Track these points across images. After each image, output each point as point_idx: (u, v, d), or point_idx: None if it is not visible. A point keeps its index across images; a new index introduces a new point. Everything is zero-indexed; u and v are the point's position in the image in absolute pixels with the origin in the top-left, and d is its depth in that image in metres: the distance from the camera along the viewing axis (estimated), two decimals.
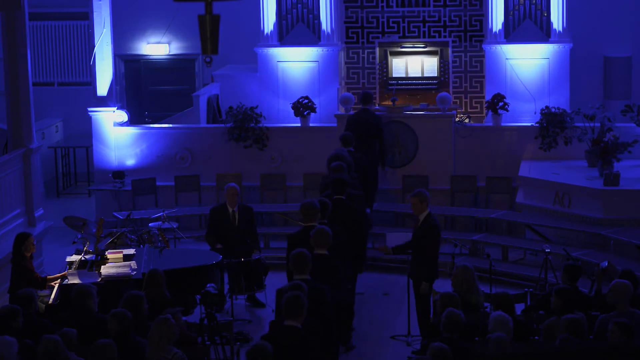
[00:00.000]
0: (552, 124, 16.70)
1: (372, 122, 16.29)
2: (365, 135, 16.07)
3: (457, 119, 17.19)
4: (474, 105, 18.10)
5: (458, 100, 18.11)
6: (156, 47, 21.38)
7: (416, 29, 18.14)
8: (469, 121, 17.38)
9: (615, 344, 8.84)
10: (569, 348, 8.51)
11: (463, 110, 18.00)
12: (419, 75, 18.15)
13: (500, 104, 16.93)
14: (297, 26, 18.04)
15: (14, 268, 12.20)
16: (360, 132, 15.90)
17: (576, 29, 18.28)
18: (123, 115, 17.65)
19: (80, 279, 11.78)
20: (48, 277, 12.49)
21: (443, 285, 12.19)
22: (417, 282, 12.19)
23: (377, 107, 17.37)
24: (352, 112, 17.41)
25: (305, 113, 17.26)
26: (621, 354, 7.03)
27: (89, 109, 17.60)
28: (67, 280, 11.90)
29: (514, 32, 17.62)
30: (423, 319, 12.12)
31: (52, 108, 21.50)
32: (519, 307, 11.18)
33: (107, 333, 9.18)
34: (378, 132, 16.31)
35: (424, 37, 18.13)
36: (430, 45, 18.14)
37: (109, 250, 12.77)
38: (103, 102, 17.49)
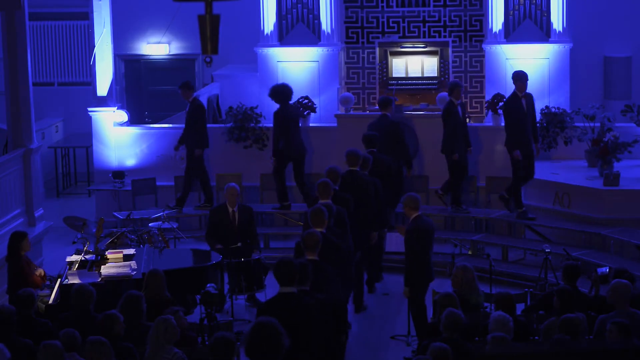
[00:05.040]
0: (552, 124, 16.69)
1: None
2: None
3: None
4: (474, 105, 18.10)
5: None
6: (156, 47, 21.38)
7: (416, 29, 18.13)
8: (469, 121, 17.35)
9: (613, 343, 8.85)
10: (568, 348, 8.51)
11: None
12: (419, 75, 18.14)
13: (500, 104, 16.91)
14: (297, 26, 18.02)
15: (10, 268, 12.17)
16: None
17: (576, 29, 18.26)
18: (123, 115, 17.65)
19: (80, 279, 11.77)
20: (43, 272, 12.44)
21: (443, 285, 12.19)
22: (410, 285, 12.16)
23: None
24: (352, 111, 17.42)
25: (305, 113, 17.26)
26: (619, 354, 7.04)
27: (89, 109, 17.60)
28: (67, 280, 11.89)
29: (514, 32, 17.60)
30: (418, 322, 12.10)
31: (52, 108, 21.49)
32: (519, 307, 11.18)
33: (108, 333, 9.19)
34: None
35: (424, 37, 18.12)
36: (430, 45, 18.13)
37: (109, 250, 12.77)
38: (103, 102, 17.50)
